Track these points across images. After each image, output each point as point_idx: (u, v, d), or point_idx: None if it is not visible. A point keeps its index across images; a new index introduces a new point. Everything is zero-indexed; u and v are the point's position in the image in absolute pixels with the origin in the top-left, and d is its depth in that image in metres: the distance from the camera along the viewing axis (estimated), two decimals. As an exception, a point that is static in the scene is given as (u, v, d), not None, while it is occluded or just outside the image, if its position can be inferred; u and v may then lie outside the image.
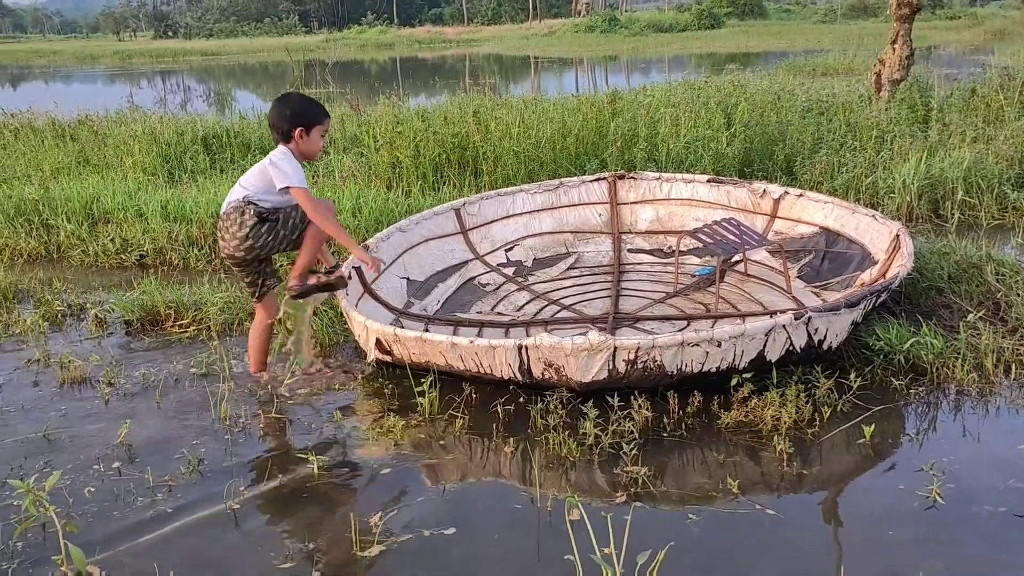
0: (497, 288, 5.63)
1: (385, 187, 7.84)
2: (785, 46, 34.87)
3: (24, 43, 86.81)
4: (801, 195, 5.79)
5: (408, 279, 5.47)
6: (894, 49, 9.81)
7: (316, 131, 4.17)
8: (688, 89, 10.78)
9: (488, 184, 7.89)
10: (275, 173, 4.05)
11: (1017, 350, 4.25)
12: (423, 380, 4.02)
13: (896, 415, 3.86)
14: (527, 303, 5.40)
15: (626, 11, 73.40)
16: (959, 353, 4.19)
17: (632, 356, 3.79)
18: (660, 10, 77.65)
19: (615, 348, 3.78)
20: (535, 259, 6.05)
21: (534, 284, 5.70)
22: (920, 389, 4.05)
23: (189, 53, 54.73)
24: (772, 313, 4.92)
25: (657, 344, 3.76)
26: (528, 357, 3.90)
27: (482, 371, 4.06)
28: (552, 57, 39.26)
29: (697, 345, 3.79)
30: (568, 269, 5.91)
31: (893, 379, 4.10)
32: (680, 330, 4.70)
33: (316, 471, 3.51)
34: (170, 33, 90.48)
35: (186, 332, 5.20)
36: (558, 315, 5.19)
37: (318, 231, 4.20)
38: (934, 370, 4.14)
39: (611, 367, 3.82)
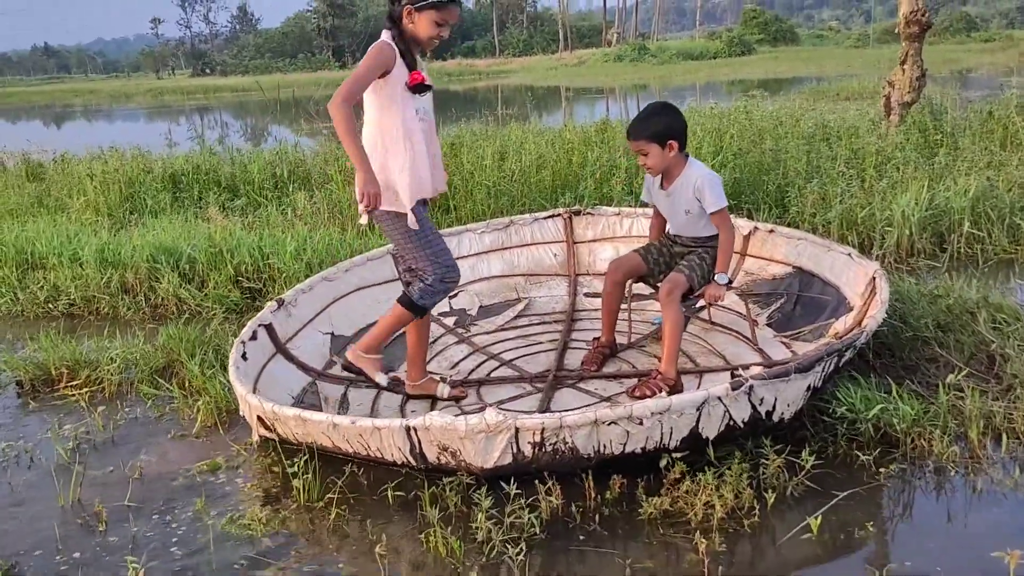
0: (433, 342, 5.02)
1: (341, 228, 7.26)
2: (815, 71, 34.15)
3: (67, 83, 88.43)
4: (772, 231, 5.15)
5: (333, 334, 4.89)
6: (904, 70, 9.14)
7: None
8: (689, 116, 10.13)
9: (457, 221, 7.32)
10: None
11: (1009, 415, 3.57)
12: (295, 460, 3.44)
13: (856, 502, 3.19)
14: (463, 359, 4.80)
15: (656, 40, 73.01)
16: (939, 419, 3.52)
17: (538, 438, 3.18)
18: (691, 38, 77.23)
19: (517, 429, 3.17)
20: (481, 306, 5.45)
21: (475, 335, 5.09)
22: (890, 467, 3.38)
23: (221, 89, 55.00)
24: (734, 369, 4.31)
25: (566, 424, 3.14)
26: (419, 440, 3.29)
27: (371, 454, 3.47)
28: (579, 87, 38.84)
29: (615, 423, 3.17)
30: (516, 317, 5.30)
31: (859, 453, 3.44)
32: (609, 397, 4.10)
33: (143, 580, 2.93)
34: (207, 71, 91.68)
35: (80, 393, 4.66)
36: (494, 372, 4.59)
37: (678, 329, 4.06)
38: (908, 441, 3.48)
39: (515, 451, 3.21)
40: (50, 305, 6.21)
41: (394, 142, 3.72)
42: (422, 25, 3.66)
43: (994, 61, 33.33)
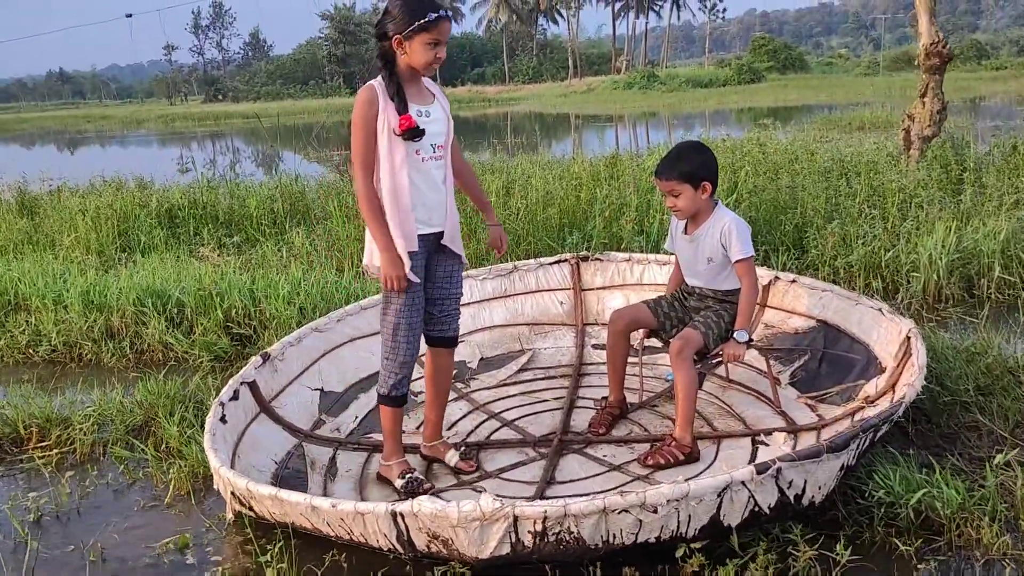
0: (431, 398, 4.69)
1: (337, 269, 6.94)
2: (825, 99, 33.95)
3: (81, 109, 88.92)
4: (794, 281, 4.81)
5: (322, 391, 4.55)
6: (924, 103, 8.84)
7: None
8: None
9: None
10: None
11: (1066, 498, 3.21)
12: (270, 545, 3.09)
13: (897, 602, 2.84)
14: (462, 418, 4.46)
15: (666, 67, 73.05)
16: (986, 502, 3.16)
17: (539, 527, 2.82)
18: (700, 66, 77.23)
19: (516, 517, 2.82)
20: (482, 358, 5.11)
21: (475, 391, 4.75)
22: (933, 560, 3.01)
23: (231, 116, 54.96)
24: (755, 434, 3.97)
25: (571, 512, 2.78)
26: (407, 527, 2.94)
27: (354, 539, 3.12)
28: (588, 114, 38.63)
29: (626, 512, 2.82)
30: (519, 371, 4.97)
31: (898, 541, 3.08)
32: (619, 465, 3.74)
33: None
34: (219, 97, 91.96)
35: (49, 455, 4.32)
36: (495, 434, 4.25)
37: (691, 390, 3.75)
38: (953, 527, 3.12)
39: (514, 540, 2.85)
40: (31, 351, 5.90)
41: (384, 193, 3.45)
42: (416, 52, 3.38)
43: (1007, 89, 33.15)
